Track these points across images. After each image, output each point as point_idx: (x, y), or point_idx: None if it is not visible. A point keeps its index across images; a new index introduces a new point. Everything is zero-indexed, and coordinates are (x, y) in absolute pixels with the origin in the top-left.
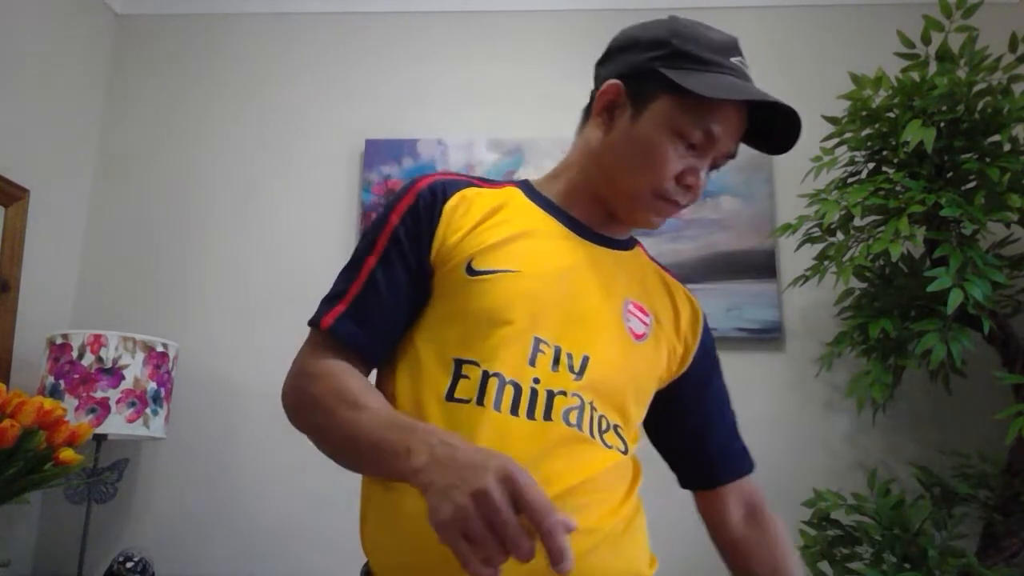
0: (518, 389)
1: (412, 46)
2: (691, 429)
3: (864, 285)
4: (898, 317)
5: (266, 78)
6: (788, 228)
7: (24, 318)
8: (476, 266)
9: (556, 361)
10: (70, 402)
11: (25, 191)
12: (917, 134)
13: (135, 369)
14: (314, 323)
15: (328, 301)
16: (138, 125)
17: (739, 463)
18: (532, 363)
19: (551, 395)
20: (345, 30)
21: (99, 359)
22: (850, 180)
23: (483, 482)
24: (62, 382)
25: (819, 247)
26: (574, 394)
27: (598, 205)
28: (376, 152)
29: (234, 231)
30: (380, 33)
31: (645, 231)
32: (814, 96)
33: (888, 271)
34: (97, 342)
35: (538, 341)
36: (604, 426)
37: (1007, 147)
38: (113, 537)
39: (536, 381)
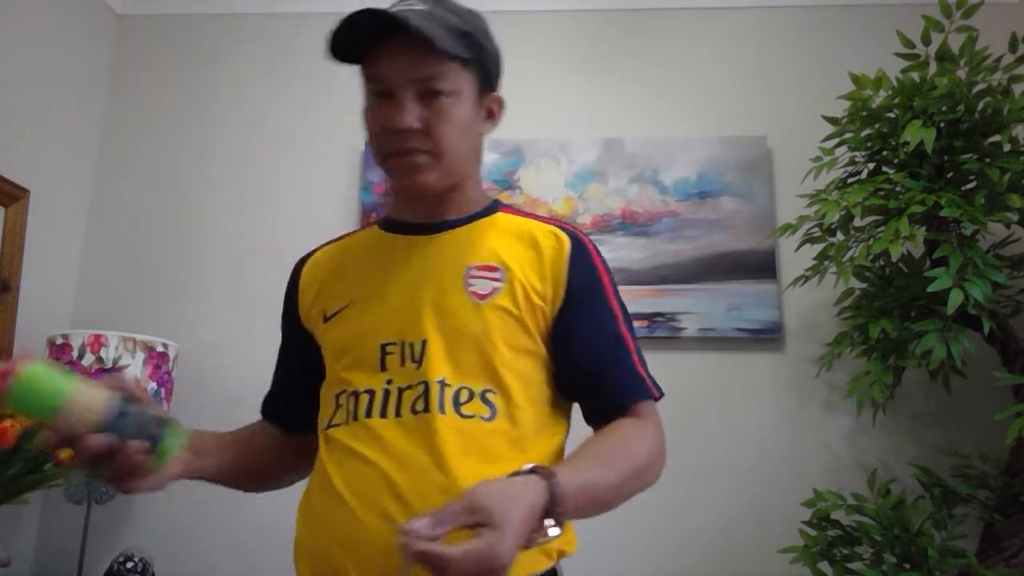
0: (372, 394)
1: None
2: (571, 363)
3: (864, 285)
4: (898, 317)
5: (266, 78)
6: (788, 228)
7: (24, 318)
8: (327, 313)
9: (403, 357)
10: None
11: (25, 191)
12: (917, 134)
13: (135, 369)
14: None
15: None
16: (138, 125)
17: (621, 394)
18: (383, 368)
19: (401, 391)
20: None
21: (99, 359)
22: (850, 180)
23: None
24: None
25: (819, 247)
26: (419, 382)
27: (413, 198)
28: None
29: (234, 231)
30: None
31: (642, 231)
32: (814, 96)
33: (888, 271)
34: (97, 342)
35: (383, 347)
36: (464, 398)
37: (1007, 147)
38: (113, 537)
39: (389, 382)
